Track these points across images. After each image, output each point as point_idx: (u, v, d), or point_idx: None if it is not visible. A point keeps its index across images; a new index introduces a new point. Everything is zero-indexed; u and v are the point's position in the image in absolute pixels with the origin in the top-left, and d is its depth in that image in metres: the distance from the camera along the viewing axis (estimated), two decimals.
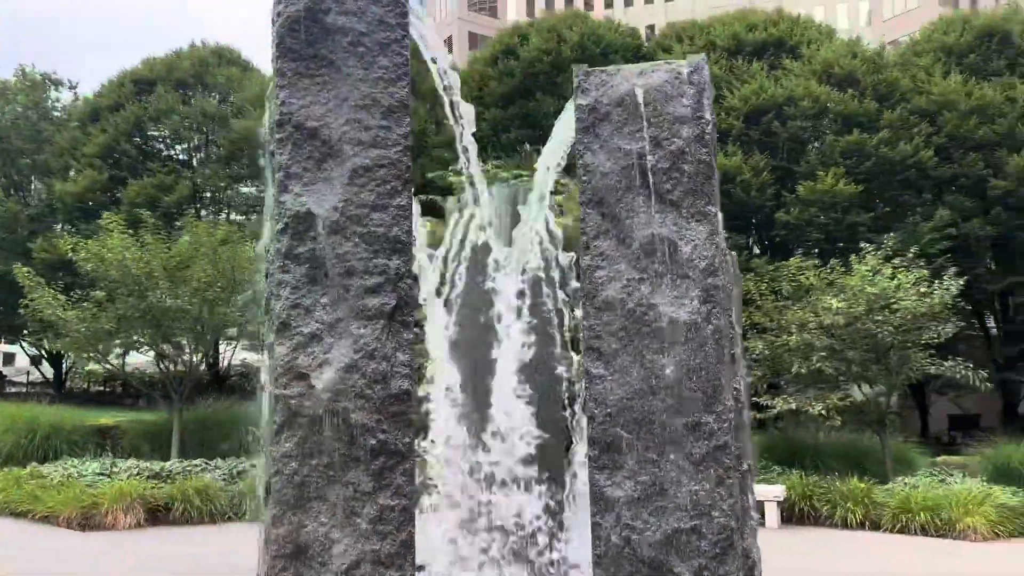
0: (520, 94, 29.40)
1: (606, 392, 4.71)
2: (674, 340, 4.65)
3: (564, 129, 5.42)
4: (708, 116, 4.87)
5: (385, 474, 4.61)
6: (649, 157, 4.78)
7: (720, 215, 4.87)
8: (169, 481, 14.96)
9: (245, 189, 34.17)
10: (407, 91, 4.98)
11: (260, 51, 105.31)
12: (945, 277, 16.39)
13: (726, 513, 4.57)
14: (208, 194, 34.05)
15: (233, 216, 33.21)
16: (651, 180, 4.78)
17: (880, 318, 16.12)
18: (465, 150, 5.58)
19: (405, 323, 4.76)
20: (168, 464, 16.04)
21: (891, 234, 19.46)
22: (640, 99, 4.81)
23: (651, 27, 58.84)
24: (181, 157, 35.47)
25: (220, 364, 32.02)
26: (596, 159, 4.92)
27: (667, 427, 4.61)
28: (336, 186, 4.80)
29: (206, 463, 16.25)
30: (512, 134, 28.33)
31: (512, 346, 5.47)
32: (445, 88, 5.54)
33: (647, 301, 4.70)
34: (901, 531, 13.67)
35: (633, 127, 4.87)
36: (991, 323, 29.62)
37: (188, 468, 15.79)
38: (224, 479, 15.52)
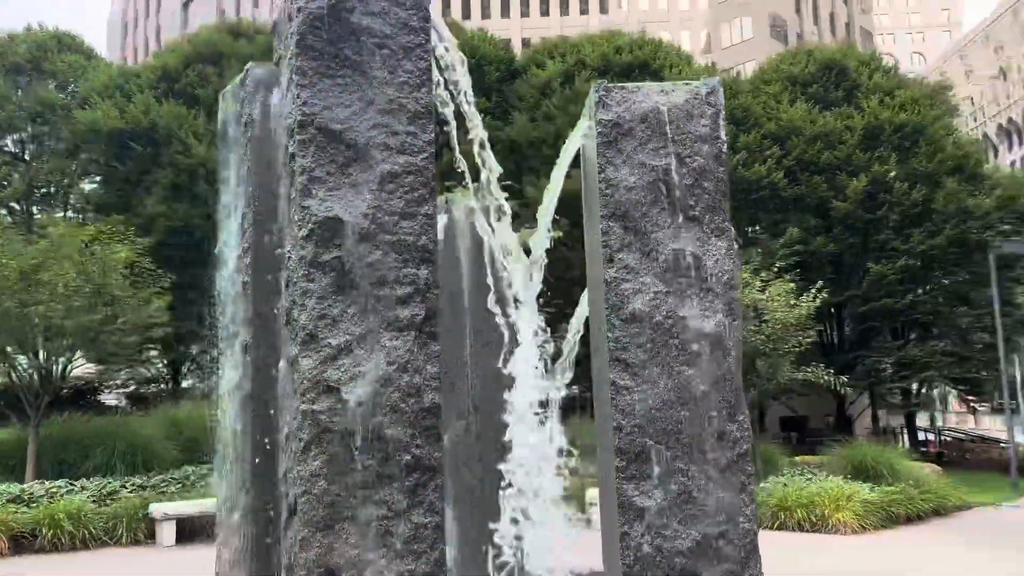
0: None
1: (633, 403, 4.79)
2: (701, 351, 4.80)
3: (570, 153, 5.45)
4: (723, 136, 5.07)
5: (418, 491, 4.46)
6: (674, 173, 4.91)
7: (734, 231, 5.07)
8: (33, 505, 13.63)
9: (88, 186, 31.70)
10: (431, 97, 4.87)
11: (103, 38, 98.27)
12: (813, 289, 17.73)
13: (749, 518, 4.77)
14: (45, 190, 31.32)
15: (70, 214, 30.72)
16: (676, 196, 4.92)
17: (753, 327, 17.22)
18: (484, 169, 5.49)
19: (433, 334, 4.64)
20: (27, 486, 14.59)
21: (758, 249, 20.82)
22: (665, 117, 4.94)
23: (507, 41, 59.83)
24: (13, 149, 32.43)
25: (55, 376, 29.47)
26: (619, 173, 5.00)
27: (695, 436, 4.75)
28: (364, 192, 4.61)
29: (71, 484, 14.92)
30: None
31: (528, 374, 5.38)
32: (455, 92, 5.44)
33: (675, 314, 4.83)
34: (780, 528, 14.59)
35: (657, 144, 4.99)
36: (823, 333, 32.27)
37: (52, 490, 14.44)
38: (94, 501, 14.32)
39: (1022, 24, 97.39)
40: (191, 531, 14.01)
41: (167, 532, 13.56)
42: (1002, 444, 33.35)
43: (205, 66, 29.38)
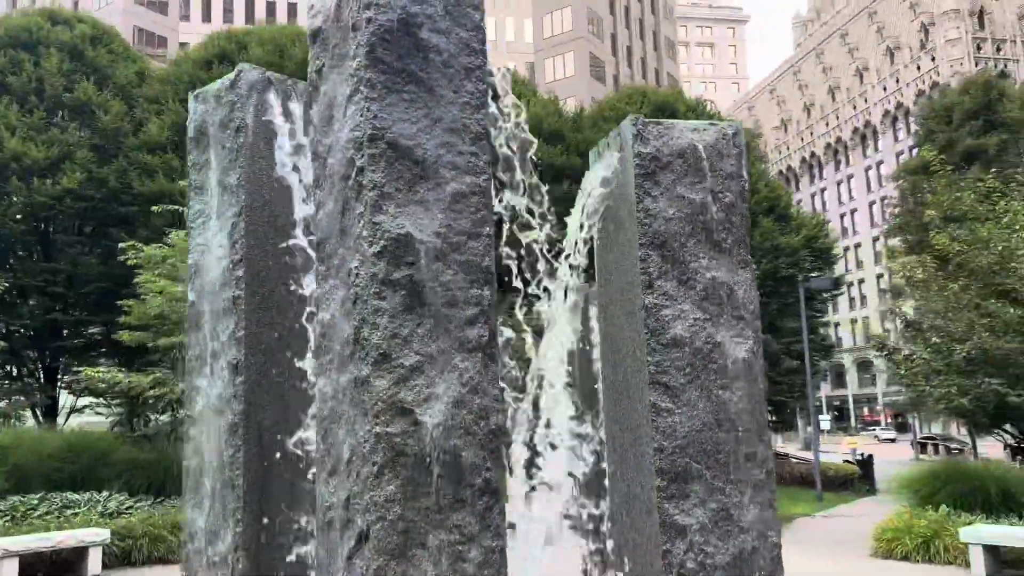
0: None
1: (674, 425, 5.01)
2: (736, 376, 5.11)
3: (593, 192, 5.63)
4: (746, 175, 5.45)
5: (487, 514, 4.42)
6: (710, 207, 5.22)
7: (754, 263, 5.46)
8: None
9: None
10: (488, 120, 4.88)
11: None
12: None
13: (776, 532, 5.12)
14: None
15: None
16: (711, 228, 5.22)
17: None
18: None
19: (493, 356, 4.63)
20: None
21: None
22: (703, 153, 5.25)
23: None
24: None
25: None
26: (658, 205, 5.23)
27: (731, 457, 5.04)
28: (433, 211, 4.53)
29: None
30: None
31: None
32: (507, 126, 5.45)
33: (713, 340, 5.11)
34: None
35: (694, 178, 5.28)
36: None
37: None
38: None
39: (800, 82, 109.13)
40: (35, 568, 12.56)
41: (8, 570, 12.07)
42: (793, 460, 36.85)
43: (19, 52, 26.65)
